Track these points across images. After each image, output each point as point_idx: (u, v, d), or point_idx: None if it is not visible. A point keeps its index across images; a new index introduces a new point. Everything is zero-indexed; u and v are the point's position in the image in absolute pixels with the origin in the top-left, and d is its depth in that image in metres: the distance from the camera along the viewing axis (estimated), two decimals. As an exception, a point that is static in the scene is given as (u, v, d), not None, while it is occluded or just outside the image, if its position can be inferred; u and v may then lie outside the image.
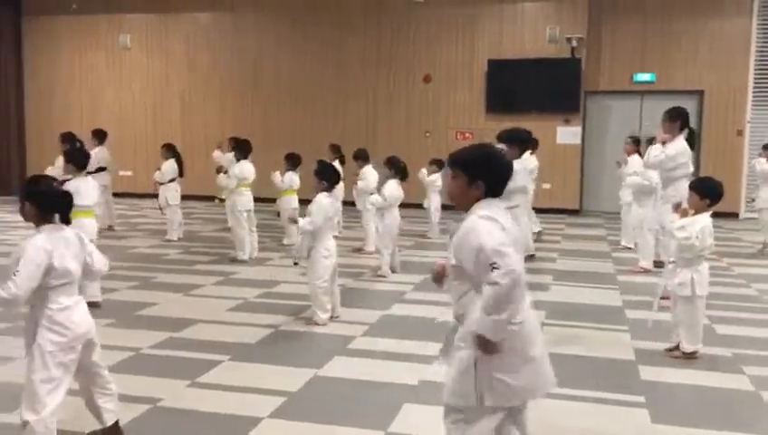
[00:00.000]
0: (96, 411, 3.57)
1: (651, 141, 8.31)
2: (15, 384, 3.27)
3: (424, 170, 10.82)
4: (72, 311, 3.34)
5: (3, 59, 16.35)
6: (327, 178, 6.10)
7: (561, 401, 4.21)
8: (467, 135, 14.55)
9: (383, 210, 8.16)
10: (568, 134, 14.14)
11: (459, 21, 14.49)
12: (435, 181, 10.74)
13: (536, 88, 13.83)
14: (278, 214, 10.37)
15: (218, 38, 15.74)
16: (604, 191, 13.75)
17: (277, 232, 10.21)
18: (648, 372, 4.85)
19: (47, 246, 3.25)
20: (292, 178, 9.69)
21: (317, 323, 5.86)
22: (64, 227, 3.39)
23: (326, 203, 5.93)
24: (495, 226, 2.69)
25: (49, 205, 3.37)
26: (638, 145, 9.77)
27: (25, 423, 3.21)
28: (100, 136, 11.09)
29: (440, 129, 14.78)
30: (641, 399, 4.37)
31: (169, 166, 10.26)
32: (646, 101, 14.20)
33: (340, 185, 10.53)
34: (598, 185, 14.20)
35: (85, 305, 3.47)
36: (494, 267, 2.57)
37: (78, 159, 6.44)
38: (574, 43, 13.75)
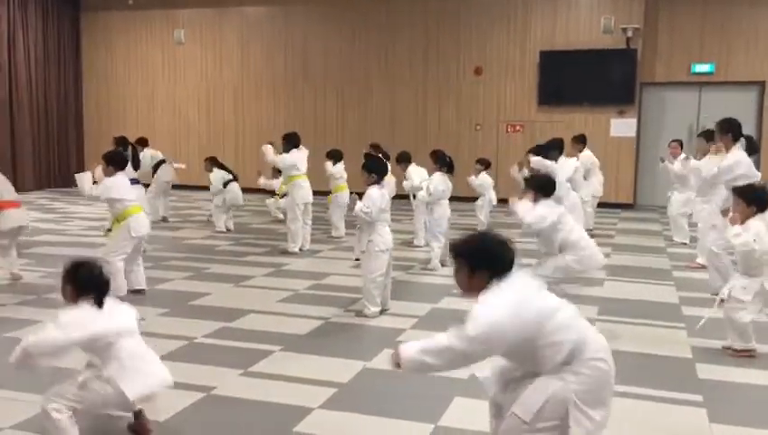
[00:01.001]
0: None
1: (707, 135, 8.11)
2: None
3: (472, 177, 10.62)
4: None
5: (62, 54, 16.83)
6: (376, 170, 6.12)
7: (616, 398, 4.12)
8: (518, 128, 14.40)
9: (432, 204, 8.13)
10: (622, 126, 13.84)
11: (511, 12, 14.31)
12: (483, 183, 10.53)
13: (589, 80, 13.58)
14: (328, 208, 10.44)
15: (269, 31, 15.90)
16: (660, 186, 13.40)
17: (327, 224, 10.26)
18: (705, 371, 4.71)
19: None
20: (341, 172, 9.83)
21: (367, 317, 5.88)
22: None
23: (377, 195, 5.93)
24: (502, 310, 2.67)
25: (85, 286, 3.44)
26: (683, 146, 9.81)
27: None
28: (142, 143, 11.23)
29: (491, 122, 14.64)
30: (699, 397, 4.25)
31: (215, 177, 10.53)
32: (704, 92, 13.79)
33: (391, 179, 10.63)
34: (653, 179, 13.85)
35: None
36: (464, 328, 2.65)
37: (117, 161, 6.63)
38: (629, 34, 13.43)
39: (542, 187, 5.60)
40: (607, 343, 2.85)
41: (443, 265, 7.95)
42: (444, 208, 8.14)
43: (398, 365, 2.81)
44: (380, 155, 10.52)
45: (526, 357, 2.78)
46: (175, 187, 12.60)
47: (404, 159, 9.73)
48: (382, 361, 4.83)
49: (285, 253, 8.71)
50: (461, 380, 4.45)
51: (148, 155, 11.08)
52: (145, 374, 3.44)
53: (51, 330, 3.27)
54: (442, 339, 2.69)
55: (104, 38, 17.06)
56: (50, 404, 3.33)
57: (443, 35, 14.73)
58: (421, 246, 9.11)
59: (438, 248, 7.96)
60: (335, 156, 10.08)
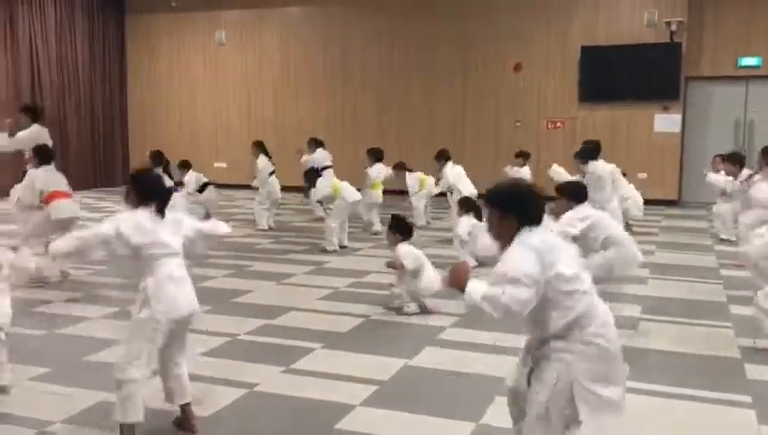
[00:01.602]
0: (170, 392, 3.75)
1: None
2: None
3: (507, 167, 10.56)
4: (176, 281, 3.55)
5: (107, 56, 17.19)
6: (401, 232, 6.22)
7: (663, 398, 4.06)
8: (559, 124, 14.24)
9: None
10: (666, 122, 13.57)
11: (552, 7, 14.14)
12: (522, 176, 10.46)
13: (632, 75, 13.35)
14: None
15: (309, 32, 16.00)
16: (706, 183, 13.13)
17: (362, 222, 10.30)
18: (754, 371, 4.60)
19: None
20: (379, 171, 9.83)
21: (406, 314, 5.90)
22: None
23: (407, 251, 6.05)
24: (530, 253, 2.74)
25: (148, 193, 3.60)
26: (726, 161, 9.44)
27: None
28: (186, 166, 10.81)
29: (531, 118, 14.50)
30: (747, 398, 4.16)
31: (263, 163, 10.57)
32: (751, 86, 13.45)
33: (430, 179, 10.65)
34: (699, 175, 13.51)
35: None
36: (503, 290, 2.70)
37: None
38: (674, 27, 13.16)
39: (575, 193, 5.59)
40: (613, 321, 2.88)
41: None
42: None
43: (453, 286, 2.86)
44: (406, 172, 10.60)
45: (536, 316, 2.80)
46: (216, 186, 12.76)
47: (442, 157, 9.71)
48: (423, 359, 4.84)
49: (324, 251, 8.76)
50: (502, 379, 4.42)
51: (193, 178, 10.97)
52: (175, 299, 3.52)
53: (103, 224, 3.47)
54: (491, 290, 2.73)
55: (148, 40, 17.38)
56: (120, 372, 3.43)
57: (482, 32, 14.63)
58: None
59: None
60: (375, 154, 10.09)
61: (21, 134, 7.91)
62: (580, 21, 14.04)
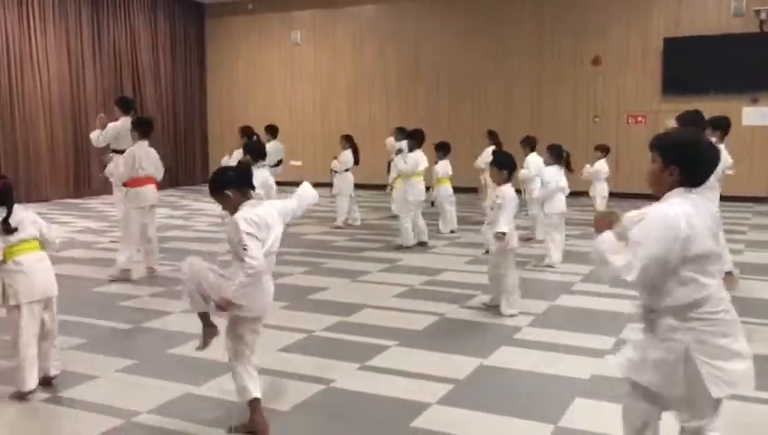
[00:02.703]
0: None
1: None
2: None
3: (587, 166, 10.26)
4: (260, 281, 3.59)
5: (188, 59, 17.76)
6: (508, 166, 5.96)
7: (751, 404, 3.86)
8: (640, 119, 13.80)
9: (546, 199, 7.90)
10: (755, 115, 12.96)
11: (632, -2, 13.73)
12: (600, 170, 10.17)
13: (718, 66, 12.80)
14: (432, 203, 10.43)
15: (382, 30, 16.06)
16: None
17: (434, 219, 10.23)
18: None
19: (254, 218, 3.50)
20: (446, 167, 9.74)
21: (512, 315, 5.77)
22: (258, 202, 3.66)
23: (511, 193, 5.83)
24: (670, 229, 2.52)
25: (240, 181, 3.61)
26: None
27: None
28: (272, 131, 11.69)
29: (610, 113, 14.12)
30: None
31: (347, 156, 10.66)
32: None
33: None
34: (790, 170, 12.90)
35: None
36: (627, 262, 2.52)
37: (256, 151, 6.93)
38: (763, 16, 12.55)
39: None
40: (728, 297, 2.67)
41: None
42: (559, 204, 7.89)
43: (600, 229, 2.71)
44: (495, 144, 10.46)
45: (656, 285, 2.59)
46: (291, 184, 12.93)
47: (528, 144, 9.52)
48: (499, 358, 4.77)
49: (400, 248, 8.77)
50: (582, 380, 4.33)
51: (279, 148, 11.41)
52: (262, 296, 3.59)
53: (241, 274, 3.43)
54: (618, 260, 2.56)
55: (226, 42, 17.84)
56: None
57: (559, 25, 14.34)
58: (541, 241, 8.82)
59: (554, 245, 7.75)
60: (442, 148, 9.93)
61: (110, 126, 8.16)
62: (662, 11, 13.56)
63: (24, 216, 4.13)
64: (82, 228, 10.60)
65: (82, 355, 4.84)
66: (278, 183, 8.75)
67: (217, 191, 3.60)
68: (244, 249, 3.38)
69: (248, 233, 3.42)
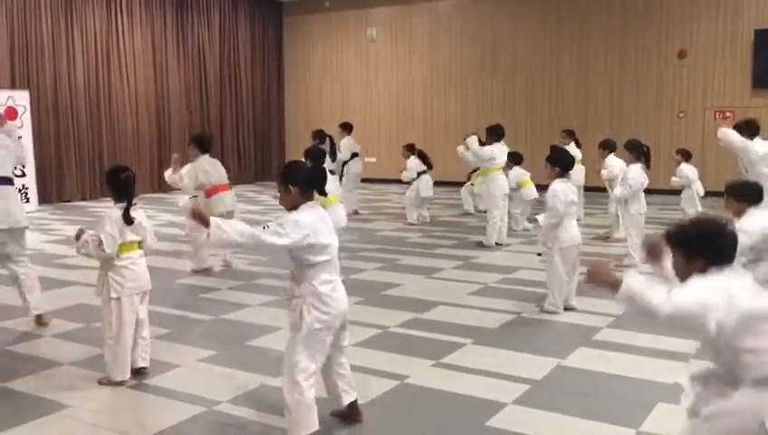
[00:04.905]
0: (335, 391, 3.67)
1: None
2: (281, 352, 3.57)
3: (674, 178, 9.88)
4: (334, 287, 3.43)
5: (266, 57, 18.12)
6: (560, 163, 5.88)
7: None
8: (728, 115, 13.22)
9: (629, 198, 7.67)
10: None
11: (720, -12, 13.17)
12: (688, 175, 9.72)
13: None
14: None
15: (458, 26, 15.95)
16: None
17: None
18: None
19: (310, 220, 3.34)
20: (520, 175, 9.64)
21: (548, 312, 5.73)
22: (317, 205, 3.49)
23: (561, 189, 5.72)
24: (712, 286, 2.48)
25: (309, 182, 3.46)
26: None
27: (288, 405, 3.35)
28: (347, 128, 11.92)
29: (696, 109, 13.59)
30: None
31: (411, 164, 10.75)
32: None
33: (580, 169, 10.30)
34: None
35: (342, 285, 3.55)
36: (673, 296, 2.46)
37: (314, 157, 7.00)
38: None
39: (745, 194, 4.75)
40: None
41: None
42: (640, 202, 7.67)
43: (598, 282, 2.63)
44: (574, 142, 10.23)
45: (727, 358, 2.55)
46: (367, 180, 13.04)
47: (608, 147, 9.33)
48: (577, 359, 4.67)
49: (481, 245, 8.69)
50: (665, 384, 4.18)
51: (352, 143, 11.65)
52: (335, 304, 3.40)
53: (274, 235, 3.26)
54: (655, 296, 2.46)
55: (303, 40, 18.11)
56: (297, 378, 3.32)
57: (642, 18, 13.89)
58: (621, 240, 8.59)
59: (635, 244, 7.52)
60: (515, 159, 9.78)
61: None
62: (752, 2, 12.94)
63: (137, 216, 4.30)
64: (166, 222, 10.98)
65: (167, 345, 5.01)
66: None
67: (283, 182, 3.45)
68: (270, 226, 3.23)
69: (294, 222, 3.29)
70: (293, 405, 3.33)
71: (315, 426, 3.38)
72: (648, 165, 7.78)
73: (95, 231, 4.22)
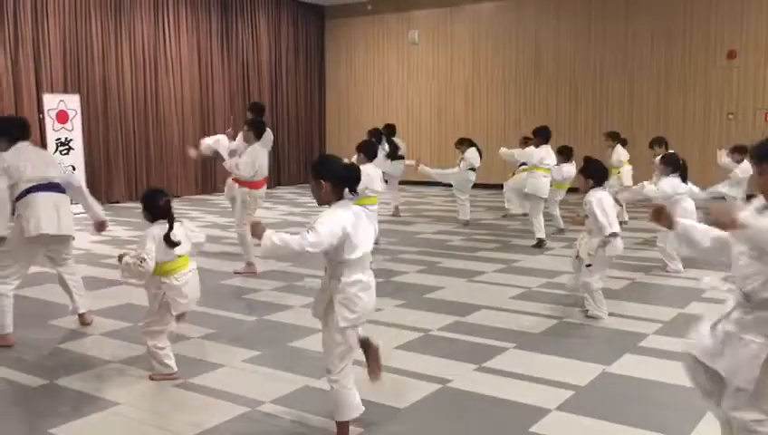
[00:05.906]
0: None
1: None
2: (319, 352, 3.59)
3: (724, 156, 9.68)
4: (363, 287, 3.44)
5: (309, 61, 18.26)
6: (593, 175, 5.78)
7: None
8: (779, 116, 12.88)
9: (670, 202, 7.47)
10: None
11: (772, -13, 12.82)
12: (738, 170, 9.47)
13: None
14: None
15: (501, 28, 15.84)
16: None
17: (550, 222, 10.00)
18: None
19: (345, 215, 3.37)
20: (569, 171, 9.46)
21: (592, 317, 5.64)
22: (352, 204, 3.50)
23: (597, 198, 5.63)
24: None
25: (342, 178, 3.44)
26: None
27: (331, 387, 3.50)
28: (390, 130, 11.88)
29: (747, 110, 13.25)
30: None
31: (472, 152, 10.69)
32: None
33: (627, 168, 10.22)
34: None
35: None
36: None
37: (367, 151, 7.15)
38: None
39: None
40: None
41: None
42: (683, 213, 7.45)
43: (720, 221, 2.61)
44: (620, 144, 10.24)
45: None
46: (408, 183, 12.99)
47: (659, 145, 9.44)
48: (623, 366, 4.58)
49: (538, 246, 8.77)
50: (715, 393, 4.07)
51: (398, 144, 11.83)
52: (363, 304, 3.44)
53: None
54: None
55: (345, 44, 18.19)
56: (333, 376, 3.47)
57: (689, 18, 13.60)
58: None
59: (675, 251, 7.34)
60: (565, 154, 9.69)
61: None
62: (807, 0, 12.58)
63: (180, 233, 4.36)
64: (210, 223, 11.13)
65: (211, 344, 5.08)
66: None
67: (316, 176, 3.45)
68: (311, 228, 3.29)
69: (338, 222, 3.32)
70: (335, 393, 3.48)
71: (359, 410, 3.53)
72: (684, 179, 7.49)
73: (136, 248, 4.28)
